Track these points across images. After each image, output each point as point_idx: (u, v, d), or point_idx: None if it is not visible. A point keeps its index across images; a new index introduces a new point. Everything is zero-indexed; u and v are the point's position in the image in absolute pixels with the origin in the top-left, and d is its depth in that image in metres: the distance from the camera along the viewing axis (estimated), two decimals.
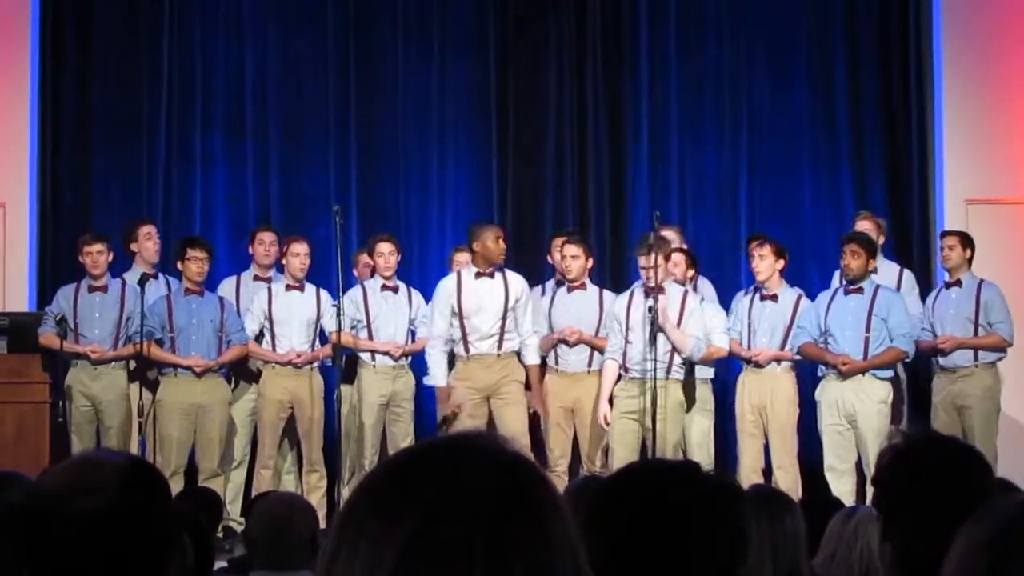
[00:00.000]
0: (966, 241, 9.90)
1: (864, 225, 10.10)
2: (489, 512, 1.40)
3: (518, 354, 9.60)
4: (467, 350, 9.48)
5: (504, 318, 9.47)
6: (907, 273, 10.26)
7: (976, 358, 9.68)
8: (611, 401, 9.48)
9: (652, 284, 9.36)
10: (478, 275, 9.52)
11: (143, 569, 2.03)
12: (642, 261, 9.45)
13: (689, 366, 9.60)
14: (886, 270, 10.11)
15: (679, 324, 9.42)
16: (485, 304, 9.46)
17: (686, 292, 9.61)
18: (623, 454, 9.25)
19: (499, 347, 9.48)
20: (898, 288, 9.97)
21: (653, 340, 9.22)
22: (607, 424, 9.41)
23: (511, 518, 1.40)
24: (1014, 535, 1.68)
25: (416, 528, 1.39)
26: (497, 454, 1.46)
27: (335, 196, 11.16)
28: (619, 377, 9.50)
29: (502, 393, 9.44)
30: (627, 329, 9.43)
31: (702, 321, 9.50)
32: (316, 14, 11.69)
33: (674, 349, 9.38)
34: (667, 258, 9.53)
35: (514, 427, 9.22)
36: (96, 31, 11.56)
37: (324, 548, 1.46)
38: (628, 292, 9.66)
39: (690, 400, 9.57)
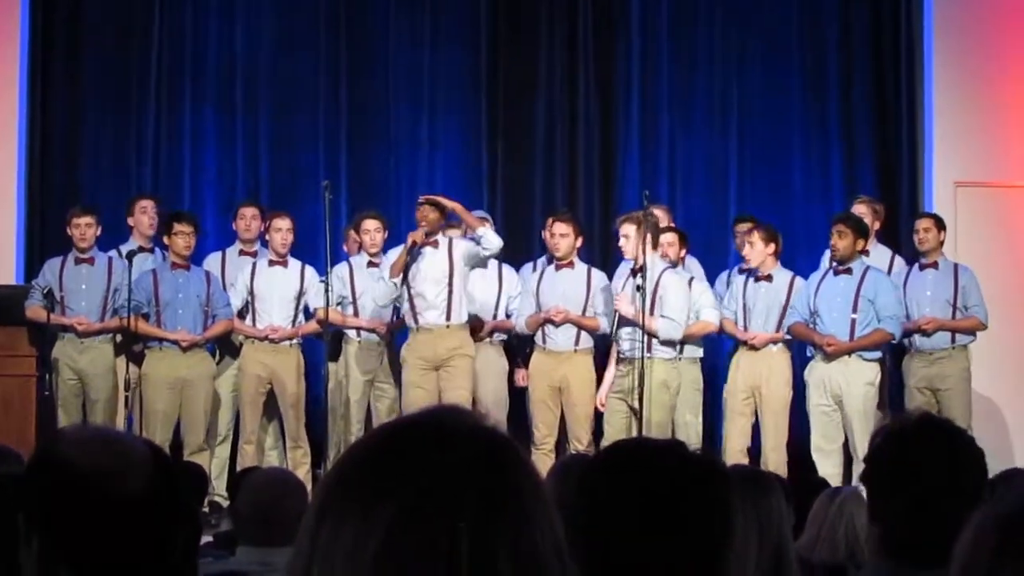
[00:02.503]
0: (940, 224, 10.01)
1: (860, 209, 10.14)
2: (471, 498, 1.39)
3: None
4: (416, 321, 9.48)
5: (451, 287, 9.45)
6: (899, 259, 10.30)
7: (953, 340, 9.78)
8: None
9: (637, 262, 9.33)
10: (423, 244, 9.53)
11: (161, 551, 2.03)
12: (624, 229, 9.39)
13: (680, 345, 9.58)
14: (878, 255, 10.15)
15: (652, 303, 9.37)
16: (427, 272, 9.45)
17: (664, 270, 9.52)
18: (611, 432, 9.30)
19: (447, 317, 9.47)
20: (889, 273, 10.00)
21: (641, 319, 9.22)
22: (602, 406, 9.42)
23: (494, 503, 1.40)
24: None
25: (397, 518, 1.38)
26: (476, 436, 1.45)
27: (324, 172, 11.14)
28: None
29: (449, 366, 9.42)
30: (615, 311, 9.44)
31: (681, 299, 9.43)
32: None
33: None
34: (655, 238, 9.46)
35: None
36: (87, 5, 11.51)
37: (303, 531, 1.44)
38: (620, 272, 9.64)
39: (678, 379, 9.55)
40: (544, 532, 1.42)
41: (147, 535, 2.02)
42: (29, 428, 9.25)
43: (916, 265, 9.99)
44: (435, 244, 9.50)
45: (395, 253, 9.53)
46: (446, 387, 9.34)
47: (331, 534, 1.41)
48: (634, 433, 9.17)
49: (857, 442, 9.17)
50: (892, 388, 9.98)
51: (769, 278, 9.73)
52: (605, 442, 9.19)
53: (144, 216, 10.35)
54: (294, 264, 10.12)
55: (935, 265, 9.87)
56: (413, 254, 9.45)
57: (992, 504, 1.74)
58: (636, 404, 9.21)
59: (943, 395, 9.66)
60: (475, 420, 1.47)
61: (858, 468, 8.99)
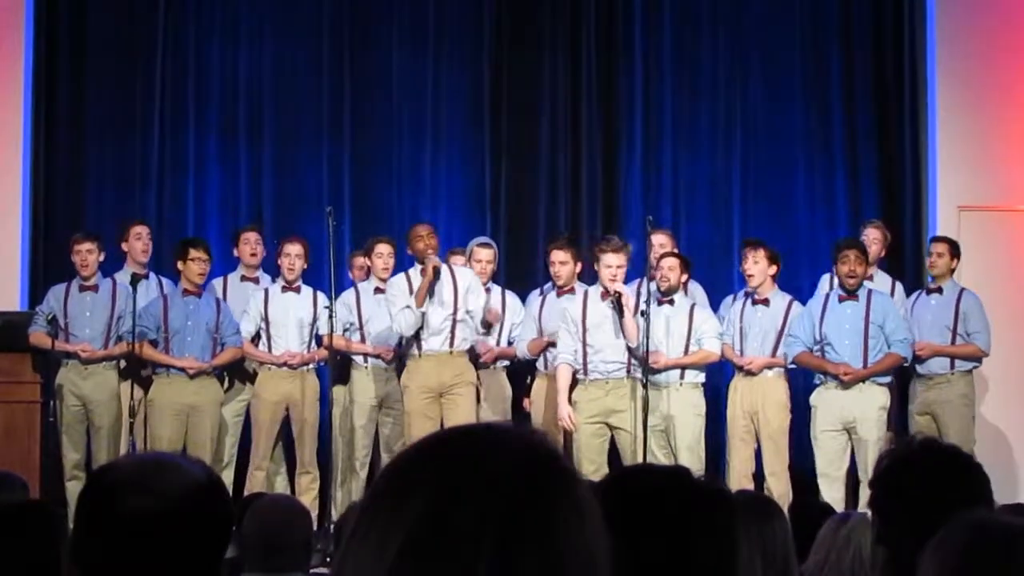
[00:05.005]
0: (955, 250, 9.93)
1: (873, 233, 10.11)
2: (501, 504, 1.39)
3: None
4: (419, 347, 9.47)
5: (455, 314, 9.45)
6: (899, 286, 10.26)
7: (952, 366, 9.72)
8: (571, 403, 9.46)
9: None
10: (423, 271, 9.49)
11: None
12: (609, 259, 9.38)
13: (683, 370, 9.58)
14: (880, 281, 10.12)
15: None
16: (433, 297, 9.44)
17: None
18: (590, 456, 9.26)
19: (451, 344, 9.47)
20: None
21: (646, 344, 9.22)
22: (573, 426, 9.36)
23: (525, 512, 1.40)
24: (984, 550, 1.69)
25: (425, 512, 1.39)
26: (519, 447, 1.46)
27: (328, 197, 11.15)
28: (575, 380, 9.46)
29: (453, 393, 9.41)
30: (584, 331, 9.40)
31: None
32: (311, 16, 11.69)
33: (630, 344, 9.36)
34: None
35: None
36: (91, 32, 11.54)
37: (347, 533, 1.48)
38: (581, 294, 9.62)
39: (681, 405, 9.53)
40: (576, 551, 1.42)
41: (166, 557, 2.03)
42: (33, 455, 9.25)
43: (923, 289, 9.96)
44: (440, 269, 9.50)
45: (400, 279, 9.52)
46: (449, 415, 9.30)
47: (363, 534, 1.42)
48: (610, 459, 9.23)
49: (870, 467, 9.09)
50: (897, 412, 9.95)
51: (766, 302, 9.71)
52: (584, 465, 9.19)
53: (138, 242, 10.29)
54: (307, 290, 10.09)
55: (939, 291, 9.83)
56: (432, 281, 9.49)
57: (946, 542, 1.74)
58: (616, 423, 9.24)
59: (940, 420, 9.60)
60: (526, 436, 1.48)
61: (866, 493, 8.95)
